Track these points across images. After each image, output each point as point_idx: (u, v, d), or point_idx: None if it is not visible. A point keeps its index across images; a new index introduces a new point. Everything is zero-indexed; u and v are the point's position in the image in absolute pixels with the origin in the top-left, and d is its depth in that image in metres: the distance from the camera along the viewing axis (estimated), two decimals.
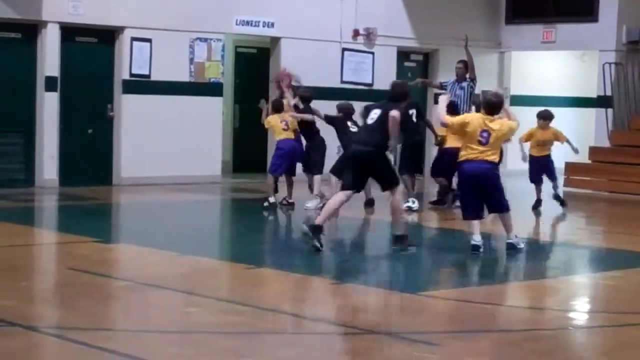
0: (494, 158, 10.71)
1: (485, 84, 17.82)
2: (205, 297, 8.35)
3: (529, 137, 14.90)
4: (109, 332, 7.26)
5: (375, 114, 10.82)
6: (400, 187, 11.08)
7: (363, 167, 10.81)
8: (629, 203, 16.89)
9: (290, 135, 14.37)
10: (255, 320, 7.65)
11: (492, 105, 10.75)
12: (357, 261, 10.89)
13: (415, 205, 14.45)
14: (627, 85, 19.82)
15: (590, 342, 7.55)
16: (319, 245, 10.42)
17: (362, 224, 13.94)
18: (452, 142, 13.49)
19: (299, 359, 6.67)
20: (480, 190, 10.68)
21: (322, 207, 14.20)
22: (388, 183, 10.88)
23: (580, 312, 8.64)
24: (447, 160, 13.60)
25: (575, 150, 15.47)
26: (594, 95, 20.37)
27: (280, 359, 6.62)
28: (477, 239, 10.66)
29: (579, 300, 9.22)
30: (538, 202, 14.94)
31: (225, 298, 8.51)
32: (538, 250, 11.93)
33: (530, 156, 14.91)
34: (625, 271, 10.39)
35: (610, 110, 19.64)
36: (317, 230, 10.46)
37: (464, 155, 10.72)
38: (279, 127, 14.36)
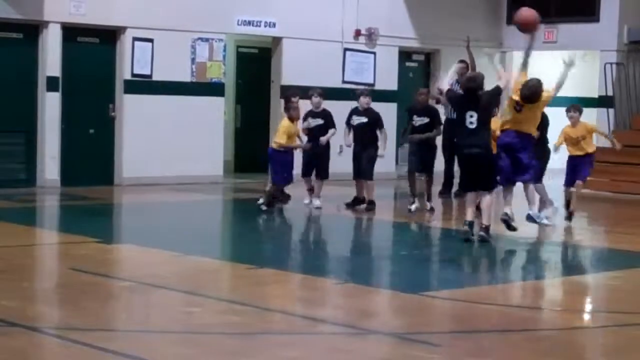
0: (528, 129, 11.46)
1: (486, 84, 17.78)
2: (206, 297, 8.36)
3: (562, 138, 13.76)
4: (110, 332, 7.27)
5: (472, 117, 11.32)
6: (493, 193, 11.64)
7: (473, 167, 11.45)
8: (631, 203, 16.88)
9: (273, 144, 14.30)
10: (256, 321, 7.66)
11: (527, 97, 11.45)
12: (358, 261, 10.91)
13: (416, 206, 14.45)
14: (629, 85, 19.81)
15: (591, 342, 7.56)
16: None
17: (362, 224, 13.94)
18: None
19: (300, 359, 6.68)
20: (511, 156, 11.49)
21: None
22: (485, 186, 11.45)
23: (580, 312, 8.64)
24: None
25: (614, 145, 14.53)
26: (595, 95, 20.37)
27: (282, 359, 6.63)
28: (508, 210, 11.50)
29: (579, 300, 9.22)
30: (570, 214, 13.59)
31: (226, 298, 8.52)
32: (539, 250, 11.92)
33: (568, 156, 13.86)
34: (626, 271, 10.40)
35: (611, 111, 19.63)
36: (488, 229, 11.39)
37: (503, 124, 11.57)
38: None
